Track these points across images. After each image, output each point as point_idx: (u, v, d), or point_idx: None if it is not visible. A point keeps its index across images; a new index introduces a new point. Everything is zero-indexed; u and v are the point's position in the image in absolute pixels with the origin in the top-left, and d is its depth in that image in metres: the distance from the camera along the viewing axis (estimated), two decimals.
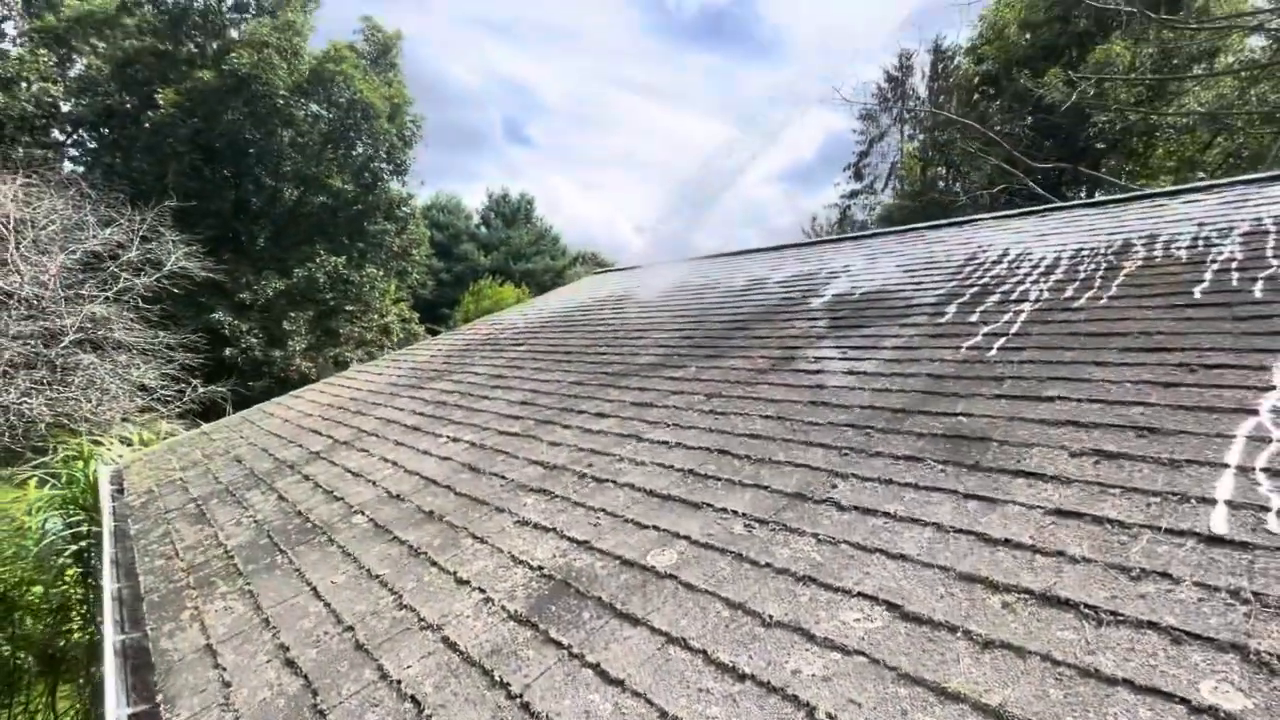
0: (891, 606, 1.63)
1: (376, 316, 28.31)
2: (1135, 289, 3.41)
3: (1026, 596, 1.55)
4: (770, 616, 1.69)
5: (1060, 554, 1.66)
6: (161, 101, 23.37)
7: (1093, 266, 3.98)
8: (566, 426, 3.73)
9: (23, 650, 6.56)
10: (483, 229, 50.59)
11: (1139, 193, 5.89)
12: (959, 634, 1.49)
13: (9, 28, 24.57)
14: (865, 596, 1.69)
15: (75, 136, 27.11)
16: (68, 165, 25.24)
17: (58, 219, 14.37)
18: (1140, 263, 3.80)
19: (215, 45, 25.26)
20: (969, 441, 2.36)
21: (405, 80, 29.08)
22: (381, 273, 28.35)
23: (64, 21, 24.59)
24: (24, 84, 23.41)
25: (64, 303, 13.74)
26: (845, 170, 32.78)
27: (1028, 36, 19.83)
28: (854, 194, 32.78)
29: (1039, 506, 1.88)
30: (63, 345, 13.26)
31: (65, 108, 25.52)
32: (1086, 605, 1.46)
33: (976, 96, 22.59)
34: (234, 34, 25.65)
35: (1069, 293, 3.64)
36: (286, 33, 24.75)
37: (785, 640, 1.60)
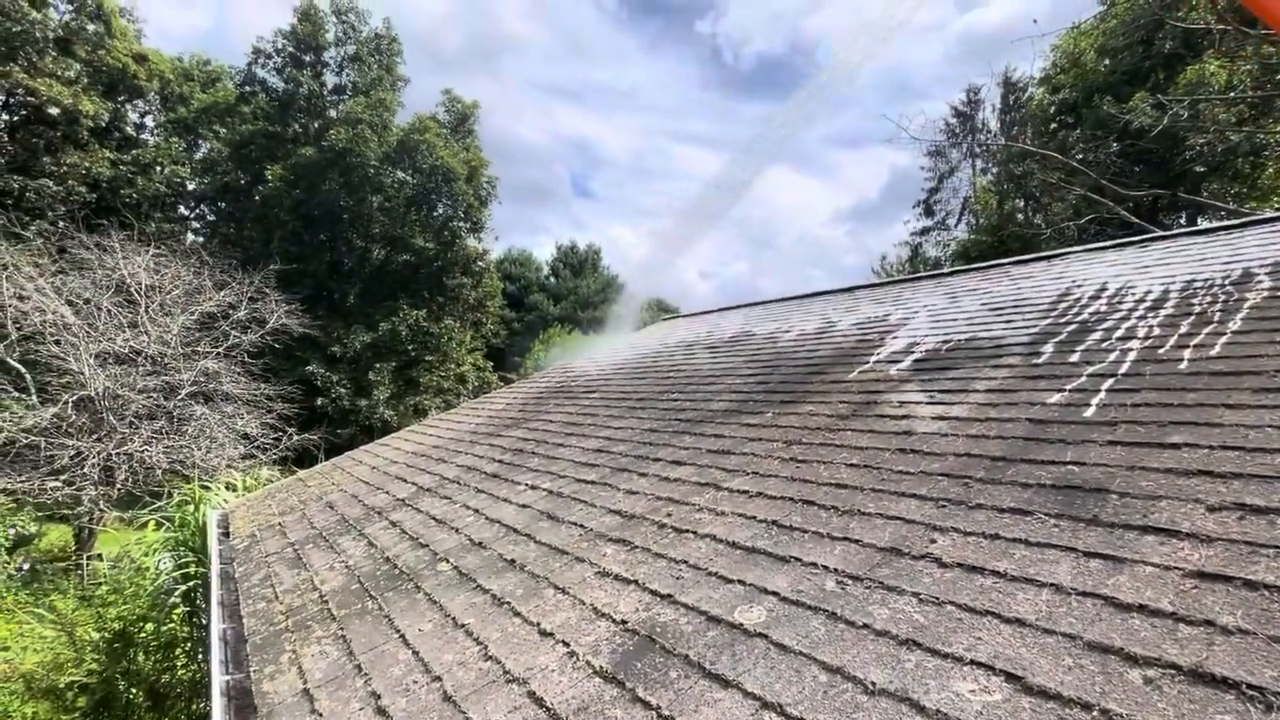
0: (1011, 677, 1.49)
1: (453, 366, 29.59)
2: (1264, 323, 3.10)
3: (1173, 672, 1.37)
4: (873, 683, 1.58)
5: (1209, 623, 1.47)
6: (270, 177, 25.97)
7: (1209, 299, 3.65)
8: (643, 474, 3.71)
9: (134, 686, 7.00)
10: (552, 279, 52.51)
11: (1253, 217, 5.42)
12: (1095, 712, 1.33)
13: (149, 120, 28.20)
14: (979, 665, 1.55)
15: (198, 211, 30.44)
16: (190, 236, 28.28)
17: (181, 284, 16.05)
18: (1266, 294, 3.46)
19: (317, 124, 28.00)
20: (1084, 493, 2.17)
21: (481, 144, 31.06)
22: (458, 324, 29.77)
23: (193, 113, 27.99)
24: (158, 168, 26.69)
25: (182, 359, 15.17)
26: (915, 207, 32.11)
27: (1107, 63, 19.06)
28: (925, 231, 31.95)
29: (1176, 567, 1.69)
30: (180, 398, 14.59)
31: (190, 186, 28.81)
32: (1250, 685, 1.28)
33: (1054, 126, 21.74)
34: (333, 114, 28.39)
35: (1184, 329, 3.35)
36: (378, 110, 27.15)
37: (892, 711, 1.49)
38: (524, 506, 3.72)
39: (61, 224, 19.80)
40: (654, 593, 2.33)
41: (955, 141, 30.57)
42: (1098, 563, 1.80)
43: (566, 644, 2.15)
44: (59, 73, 23.25)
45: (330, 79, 29.21)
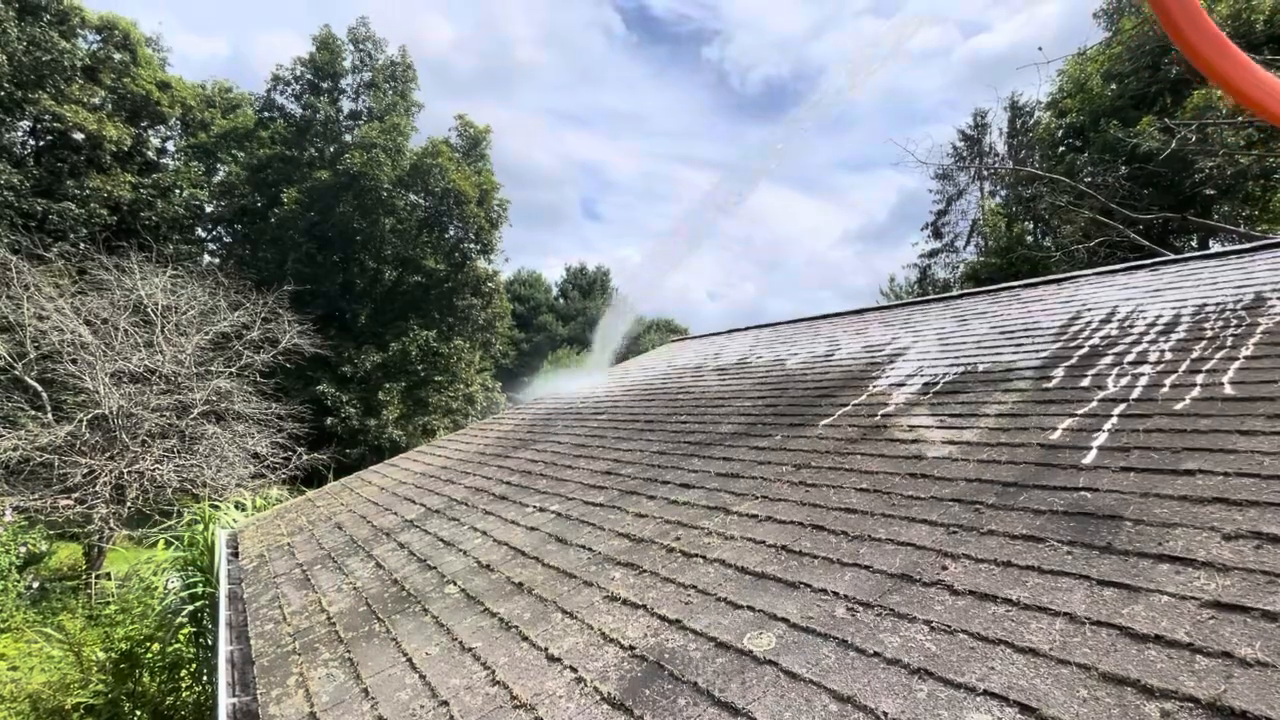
0: (1025, 709, 1.47)
1: (462, 386, 29.69)
2: (1277, 348, 3.08)
3: (1191, 705, 1.35)
4: (885, 714, 1.56)
5: (1227, 655, 1.45)
6: (285, 199, 26.46)
7: (1221, 324, 3.64)
8: (651, 498, 3.71)
9: (139, 708, 6.96)
10: (561, 300, 52.87)
11: (1264, 241, 5.40)
12: None
13: (170, 145, 28.89)
14: (993, 695, 1.53)
15: (214, 233, 31.00)
16: (206, 258, 28.77)
17: (196, 305, 16.29)
18: (1279, 319, 3.44)
19: (332, 149, 28.58)
20: (1097, 520, 2.15)
21: (493, 168, 31.53)
22: (468, 345, 29.93)
23: (213, 138, 28.67)
24: (178, 191, 27.29)
25: (195, 378, 15.33)
26: (923, 229, 32.13)
27: (1113, 87, 19.18)
28: (934, 253, 31.92)
29: (1192, 597, 1.66)
30: (192, 416, 14.71)
31: (208, 209, 29.39)
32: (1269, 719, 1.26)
33: (1062, 150, 21.84)
34: (348, 138, 28.99)
35: (1196, 353, 3.33)
36: (392, 134, 27.69)
37: None
38: (532, 529, 3.72)
39: (82, 246, 20.22)
40: (662, 618, 2.32)
41: (963, 165, 30.71)
42: (1112, 591, 1.77)
43: (574, 669, 2.14)
44: (85, 99, 23.94)
45: (346, 105, 29.90)
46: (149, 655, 7.16)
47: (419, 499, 5.22)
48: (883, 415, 3.95)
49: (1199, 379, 3.02)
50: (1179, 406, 2.81)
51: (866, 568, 2.27)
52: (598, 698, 1.95)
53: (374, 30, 29.96)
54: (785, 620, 2.08)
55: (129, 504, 13.33)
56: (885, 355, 5.48)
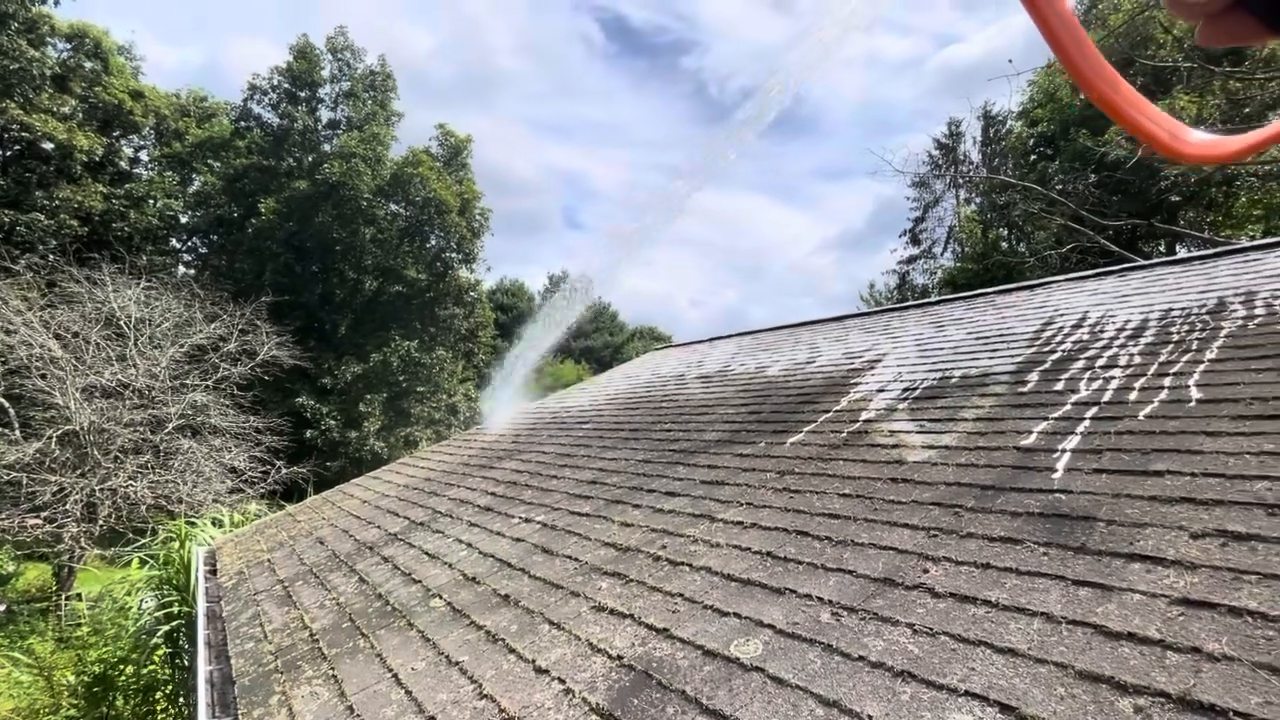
0: (1005, 708, 1.50)
1: (445, 396, 29.42)
2: (1240, 351, 3.19)
3: (1162, 700, 1.40)
4: (870, 716, 1.59)
5: (1196, 650, 1.50)
6: (263, 209, 26.11)
7: (1186, 328, 3.76)
8: (637, 506, 3.72)
9: None
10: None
11: (1227, 246, 5.59)
12: None
13: (144, 155, 28.39)
14: (974, 696, 1.57)
15: (190, 243, 30.47)
16: (181, 269, 28.23)
17: (171, 317, 15.96)
18: (1241, 322, 3.57)
19: (310, 158, 28.29)
20: (1071, 521, 2.21)
21: (474, 177, 31.39)
22: (450, 354, 29.70)
23: (188, 147, 28.22)
24: (152, 201, 26.80)
25: (170, 392, 15.00)
26: (901, 236, 32.66)
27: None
28: (912, 259, 32.44)
29: (1163, 595, 1.72)
30: (166, 431, 14.39)
31: (183, 220, 28.89)
32: (1237, 712, 1.31)
33: (1034, 158, 22.39)
34: (327, 148, 28.72)
35: (1164, 357, 3.43)
36: (372, 144, 27.49)
37: None
38: (518, 540, 3.71)
39: (52, 258, 19.73)
40: (650, 627, 2.32)
41: (939, 173, 31.30)
42: (1086, 591, 1.82)
43: (562, 680, 2.14)
44: (55, 109, 23.44)
45: (325, 114, 29.64)
46: (123, 678, 6.97)
47: (402, 512, 5.17)
48: (864, 421, 4.01)
49: (1166, 382, 3.12)
50: (1148, 409, 2.90)
51: (850, 572, 2.30)
52: (586, 709, 1.95)
53: (352, 39, 29.80)
54: (771, 626, 2.10)
55: (101, 522, 12.97)
56: (865, 362, 5.56)
